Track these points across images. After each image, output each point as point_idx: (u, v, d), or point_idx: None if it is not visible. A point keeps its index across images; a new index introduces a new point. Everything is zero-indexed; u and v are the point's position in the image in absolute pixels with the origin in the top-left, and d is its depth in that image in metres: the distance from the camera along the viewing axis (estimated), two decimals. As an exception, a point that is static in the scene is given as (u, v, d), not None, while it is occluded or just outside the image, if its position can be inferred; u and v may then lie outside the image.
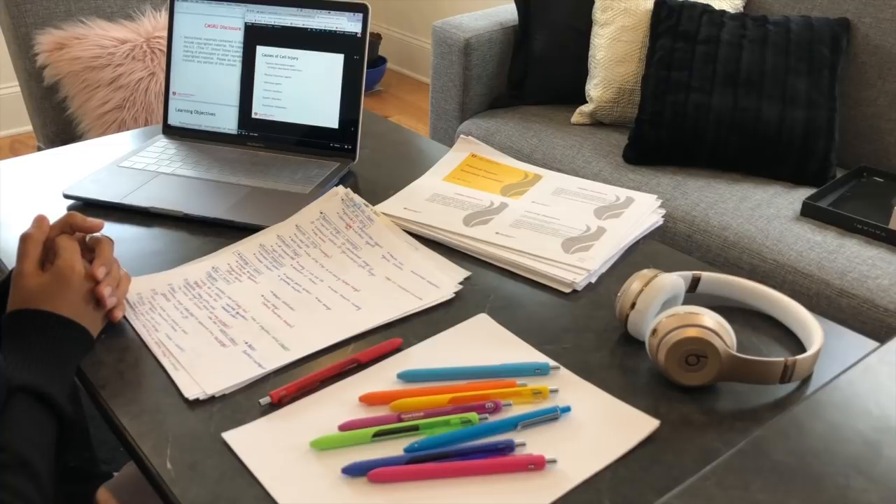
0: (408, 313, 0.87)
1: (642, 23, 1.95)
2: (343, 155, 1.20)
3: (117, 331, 0.84)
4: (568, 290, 0.92)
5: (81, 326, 0.78)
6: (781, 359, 0.74)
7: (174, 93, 1.25)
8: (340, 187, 1.06)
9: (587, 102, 2.06)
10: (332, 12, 1.18)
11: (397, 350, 0.82)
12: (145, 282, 0.91)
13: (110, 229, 1.03)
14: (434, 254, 0.98)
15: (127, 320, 0.85)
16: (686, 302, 0.82)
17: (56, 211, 1.06)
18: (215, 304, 0.88)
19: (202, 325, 0.85)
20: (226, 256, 0.97)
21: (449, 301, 0.90)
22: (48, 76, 1.90)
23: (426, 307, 0.88)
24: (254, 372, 0.78)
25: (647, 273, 0.82)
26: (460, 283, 0.92)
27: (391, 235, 1.00)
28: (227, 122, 1.23)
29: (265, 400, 0.74)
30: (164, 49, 1.63)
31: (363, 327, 0.85)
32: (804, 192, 1.71)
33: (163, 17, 2.00)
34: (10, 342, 0.74)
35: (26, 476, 0.65)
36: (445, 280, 0.93)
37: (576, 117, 2.07)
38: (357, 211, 1.02)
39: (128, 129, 1.72)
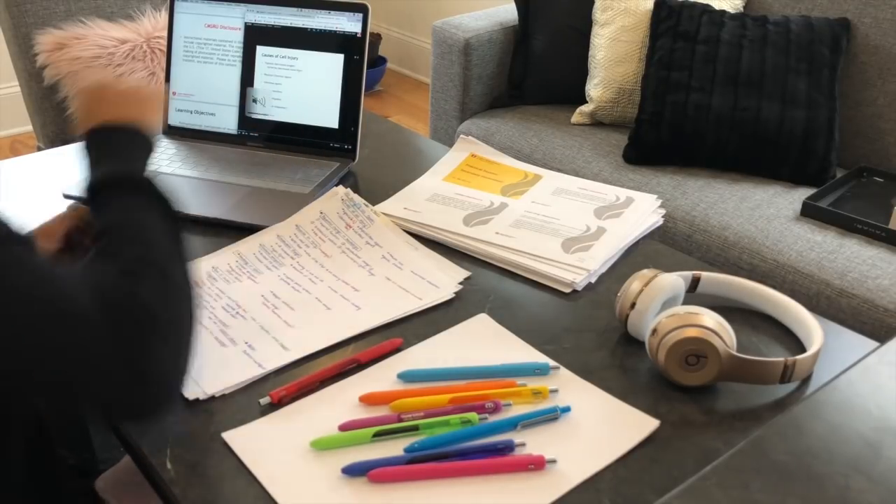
0: (408, 313, 0.87)
1: (642, 23, 1.95)
2: (343, 155, 1.20)
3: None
4: (568, 290, 0.92)
5: (124, 122, 0.79)
6: (781, 359, 0.74)
7: (174, 93, 1.25)
8: (340, 187, 1.06)
9: (587, 102, 2.05)
10: (332, 12, 1.18)
11: (397, 350, 0.82)
12: None
13: (110, 229, 1.02)
14: (434, 254, 0.98)
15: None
16: (686, 302, 0.82)
17: (56, 211, 1.06)
18: (215, 304, 0.88)
19: (202, 325, 0.85)
20: (226, 256, 0.97)
21: (449, 301, 0.90)
22: (48, 76, 1.90)
23: (426, 307, 0.88)
24: (254, 372, 0.78)
25: (647, 273, 0.82)
26: (460, 284, 0.92)
27: (391, 235, 1.00)
28: (227, 122, 1.24)
29: (265, 400, 0.74)
30: (164, 49, 1.63)
31: (363, 327, 0.85)
32: (804, 192, 1.71)
33: (163, 17, 2.00)
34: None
35: (133, 242, 0.68)
36: (445, 280, 0.92)
37: (576, 117, 2.07)
38: (357, 211, 1.02)
39: (128, 129, 1.72)
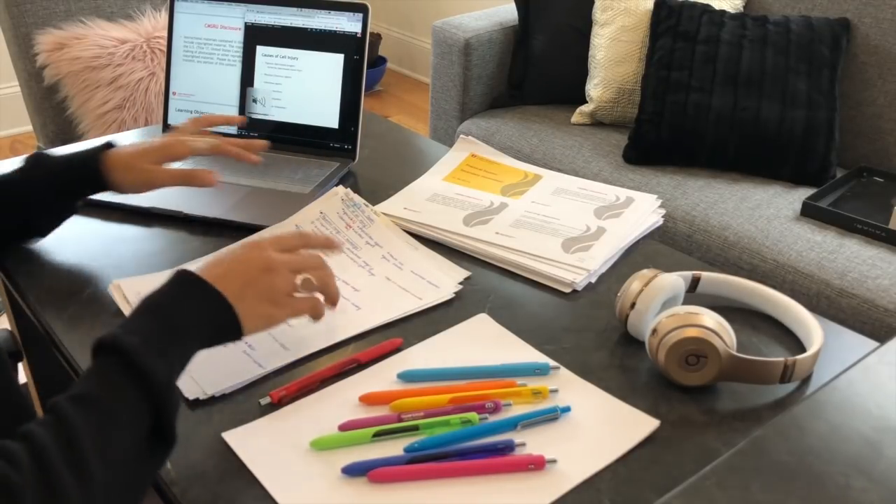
0: (407, 313, 0.87)
1: (642, 23, 1.95)
2: (343, 155, 1.20)
3: (117, 331, 0.84)
4: (568, 290, 0.92)
5: (230, 308, 0.68)
6: (781, 359, 0.74)
7: (174, 93, 1.25)
8: (340, 187, 1.06)
9: (587, 102, 2.05)
10: (332, 12, 1.18)
11: (397, 350, 0.82)
12: (146, 281, 0.91)
13: (111, 229, 1.03)
14: (434, 254, 0.98)
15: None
16: (686, 302, 0.82)
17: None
18: None
19: None
20: None
21: (449, 301, 0.90)
22: (48, 76, 1.90)
23: (426, 307, 0.88)
24: (254, 372, 0.78)
25: (647, 273, 0.82)
26: (460, 284, 0.92)
27: (391, 235, 1.00)
28: (227, 122, 1.23)
29: (265, 400, 0.74)
30: (164, 49, 1.63)
31: (363, 327, 0.85)
32: (804, 192, 1.71)
33: (163, 17, 2.00)
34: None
35: (56, 437, 0.54)
36: (445, 280, 0.92)
37: (576, 117, 2.07)
38: (357, 211, 1.02)
39: (128, 129, 1.72)
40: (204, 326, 0.67)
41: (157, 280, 0.91)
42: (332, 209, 1.03)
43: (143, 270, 0.94)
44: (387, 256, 0.96)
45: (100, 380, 0.59)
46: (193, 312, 0.67)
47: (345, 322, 0.85)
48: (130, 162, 0.92)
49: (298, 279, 0.75)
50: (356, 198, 1.04)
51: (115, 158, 0.91)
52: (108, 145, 0.93)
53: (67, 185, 0.92)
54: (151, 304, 0.66)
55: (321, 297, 0.77)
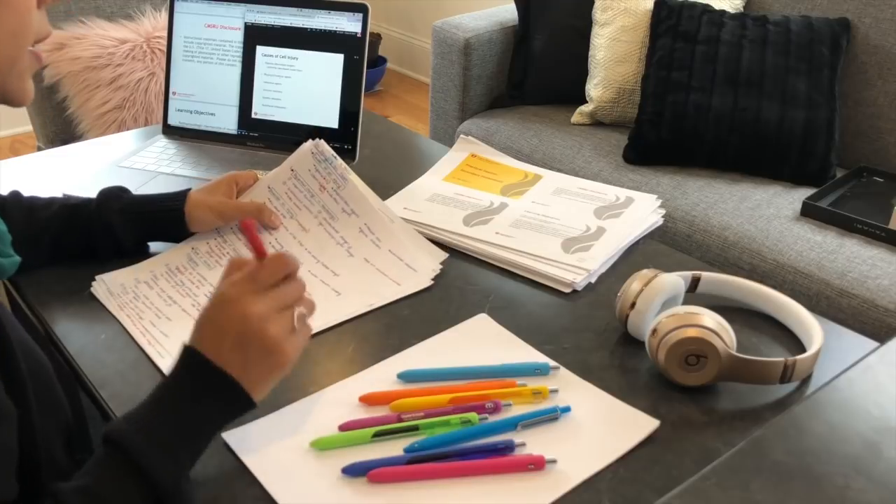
0: (388, 301, 0.88)
1: (642, 23, 1.95)
2: (343, 155, 1.19)
3: (117, 330, 0.84)
4: (568, 290, 0.92)
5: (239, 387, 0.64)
6: (781, 359, 0.74)
7: (174, 93, 1.25)
8: (309, 141, 1.00)
9: (587, 102, 2.05)
10: (331, 12, 1.18)
11: (397, 351, 0.82)
12: (126, 274, 0.92)
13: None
14: (410, 228, 0.98)
15: (116, 319, 0.86)
16: (686, 302, 0.82)
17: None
18: (198, 292, 0.89)
19: (186, 313, 0.86)
20: (205, 236, 0.96)
21: (449, 301, 0.90)
22: (48, 76, 1.90)
23: (405, 295, 0.89)
24: None
25: (647, 273, 0.82)
26: (440, 265, 0.93)
27: (366, 201, 0.97)
28: (227, 122, 1.24)
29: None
30: (164, 49, 1.63)
31: (344, 315, 0.85)
32: (804, 192, 1.71)
33: (163, 17, 2.00)
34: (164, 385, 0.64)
35: None
36: (424, 262, 0.93)
37: (576, 117, 2.07)
38: (329, 168, 0.98)
39: (128, 129, 1.72)
40: (217, 415, 0.64)
41: (136, 272, 0.91)
42: (303, 166, 0.99)
43: (143, 270, 0.94)
44: (364, 230, 0.95)
45: (105, 476, 0.59)
46: (206, 405, 0.63)
47: (326, 308, 0.83)
48: (203, 198, 0.95)
49: (295, 311, 0.67)
50: (326, 150, 0.99)
51: (193, 195, 0.95)
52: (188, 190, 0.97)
53: (145, 217, 0.94)
54: (164, 396, 0.63)
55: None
